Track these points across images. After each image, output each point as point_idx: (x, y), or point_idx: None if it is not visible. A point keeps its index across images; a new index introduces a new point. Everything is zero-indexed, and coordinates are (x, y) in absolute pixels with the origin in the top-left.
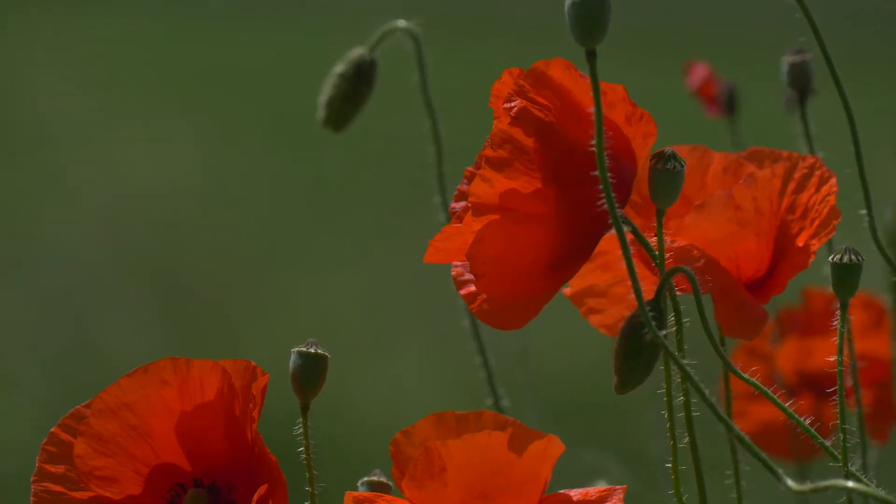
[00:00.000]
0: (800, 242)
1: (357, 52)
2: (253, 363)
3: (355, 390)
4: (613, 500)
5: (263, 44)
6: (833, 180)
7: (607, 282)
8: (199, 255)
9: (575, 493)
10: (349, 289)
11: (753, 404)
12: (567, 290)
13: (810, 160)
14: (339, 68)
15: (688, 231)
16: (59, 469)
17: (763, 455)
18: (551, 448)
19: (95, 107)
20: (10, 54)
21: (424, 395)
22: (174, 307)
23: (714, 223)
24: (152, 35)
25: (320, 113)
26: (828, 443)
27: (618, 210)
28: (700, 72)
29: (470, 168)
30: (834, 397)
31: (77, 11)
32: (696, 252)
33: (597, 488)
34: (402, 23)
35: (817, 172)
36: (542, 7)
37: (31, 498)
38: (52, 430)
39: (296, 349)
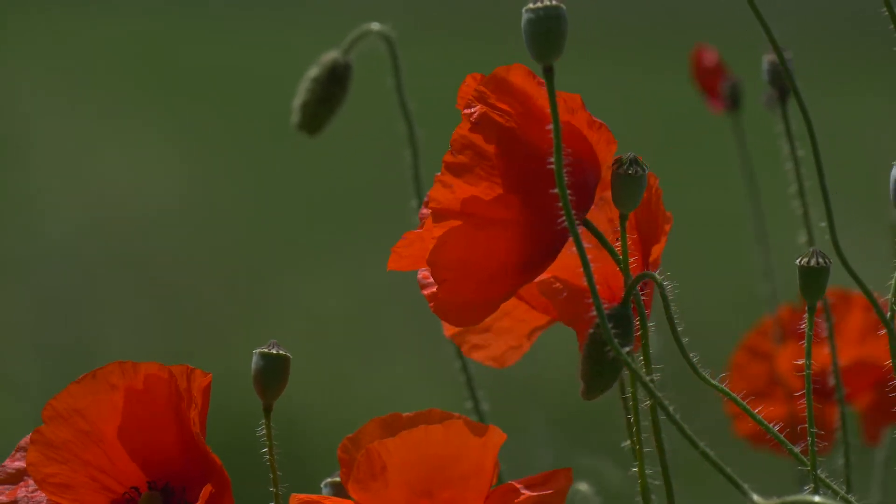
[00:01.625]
0: (656, 252)
1: (331, 55)
2: (191, 367)
3: (347, 393)
4: (559, 480)
5: (263, 43)
6: (656, 183)
7: (492, 317)
8: (197, 257)
9: (522, 480)
10: (343, 291)
11: (752, 403)
12: (447, 332)
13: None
14: (313, 72)
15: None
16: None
17: (727, 470)
18: (492, 438)
19: (95, 106)
20: (10, 54)
21: (418, 397)
22: (173, 309)
23: (571, 251)
24: (152, 35)
25: (294, 117)
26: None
27: (581, 215)
28: (709, 58)
29: (438, 174)
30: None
31: (77, 11)
32: (557, 284)
33: (543, 473)
34: (375, 26)
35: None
36: None
37: None
38: None
39: (257, 350)
